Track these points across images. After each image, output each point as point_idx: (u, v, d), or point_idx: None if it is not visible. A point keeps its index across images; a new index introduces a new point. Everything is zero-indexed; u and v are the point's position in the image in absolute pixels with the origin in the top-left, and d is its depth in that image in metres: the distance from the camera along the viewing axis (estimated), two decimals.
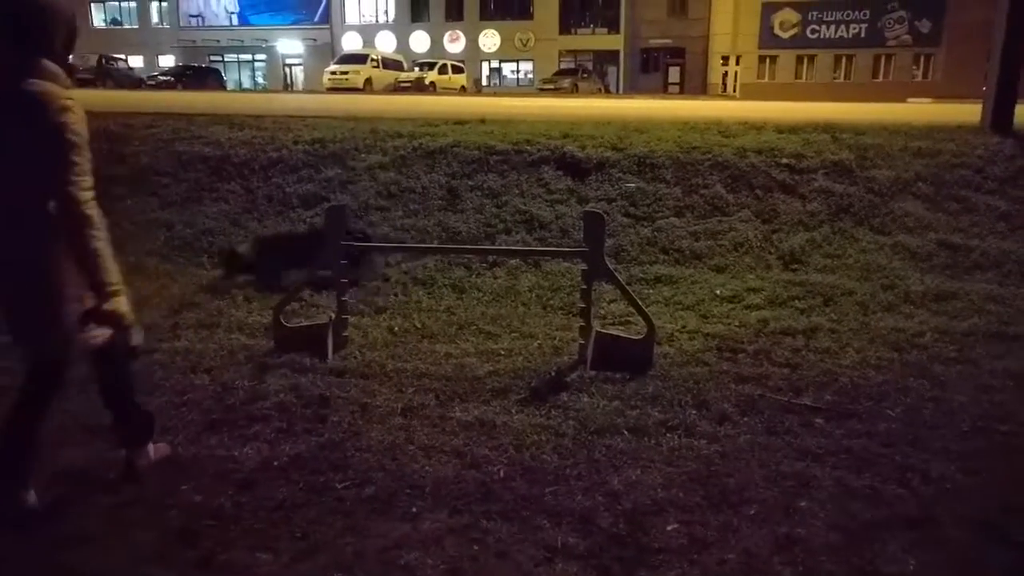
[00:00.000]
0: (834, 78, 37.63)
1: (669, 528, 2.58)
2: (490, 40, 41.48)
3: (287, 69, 43.59)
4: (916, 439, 3.23)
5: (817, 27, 37.70)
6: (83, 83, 28.03)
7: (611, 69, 40.18)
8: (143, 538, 2.49)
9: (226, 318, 4.82)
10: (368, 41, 40.68)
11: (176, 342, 4.37)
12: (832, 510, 2.69)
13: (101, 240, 2.26)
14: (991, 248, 6.11)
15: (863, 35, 37.35)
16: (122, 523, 2.55)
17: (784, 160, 7.33)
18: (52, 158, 2.18)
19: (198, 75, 32.47)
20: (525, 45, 41.10)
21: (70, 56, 2.37)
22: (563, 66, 38.31)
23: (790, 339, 4.53)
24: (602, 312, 5.00)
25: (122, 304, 2.34)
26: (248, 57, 43.73)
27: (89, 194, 2.24)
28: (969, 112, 9.22)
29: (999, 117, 8.44)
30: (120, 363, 2.69)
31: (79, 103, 2.26)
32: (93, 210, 2.24)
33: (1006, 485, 2.87)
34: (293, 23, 42.53)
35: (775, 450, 3.13)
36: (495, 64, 42.22)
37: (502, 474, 2.92)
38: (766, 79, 37.80)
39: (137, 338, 2.58)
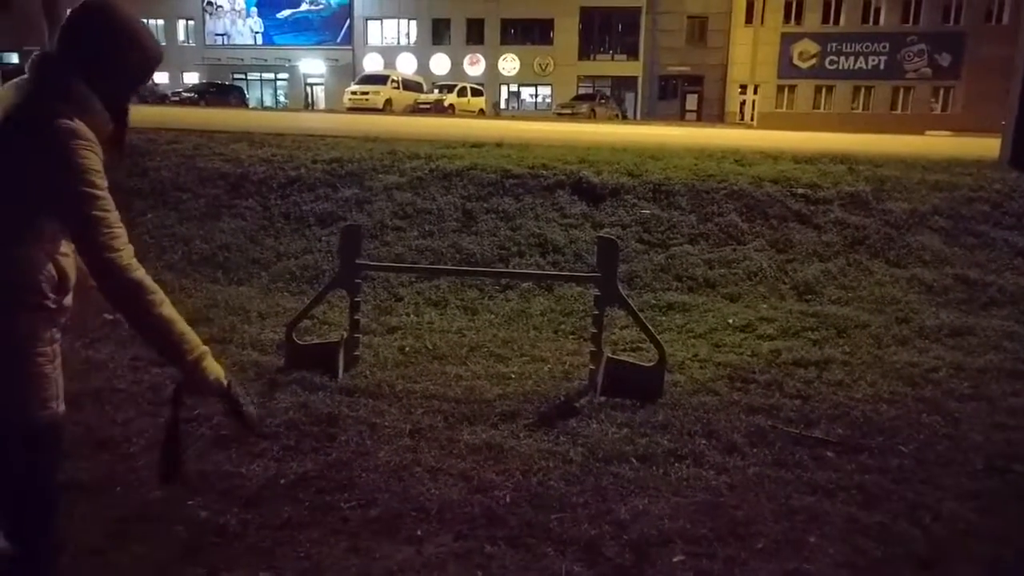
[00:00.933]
0: (852, 109, 37.62)
1: (675, 560, 2.55)
2: (510, 64, 41.87)
3: (308, 88, 44.18)
4: (928, 476, 3.18)
5: (836, 58, 37.79)
6: None
7: (629, 95, 40.40)
8: (148, 553, 2.49)
9: (239, 334, 4.85)
10: (389, 63, 41.20)
11: None
12: (842, 547, 2.65)
13: (161, 303, 1.79)
14: (1008, 284, 6.05)
15: (882, 67, 37.38)
16: (127, 538, 2.56)
17: (800, 190, 7.32)
18: (65, 218, 1.76)
19: (221, 92, 33.02)
20: (544, 70, 41.45)
21: (129, 102, 1.92)
22: (581, 91, 38.58)
23: (802, 370, 4.50)
24: (613, 338, 4.99)
25: (213, 368, 1.86)
26: (271, 76, 44.38)
27: (129, 252, 1.76)
28: (988, 146, 9.19)
29: (1018, 152, 8.41)
30: (45, 459, 1.91)
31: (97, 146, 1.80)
32: (139, 270, 1.77)
33: (1020, 526, 2.82)
34: (316, 43, 43.17)
35: (785, 483, 3.10)
36: (514, 88, 42.57)
37: (508, 499, 2.91)
38: (784, 108, 37.84)
39: (250, 411, 1.94)
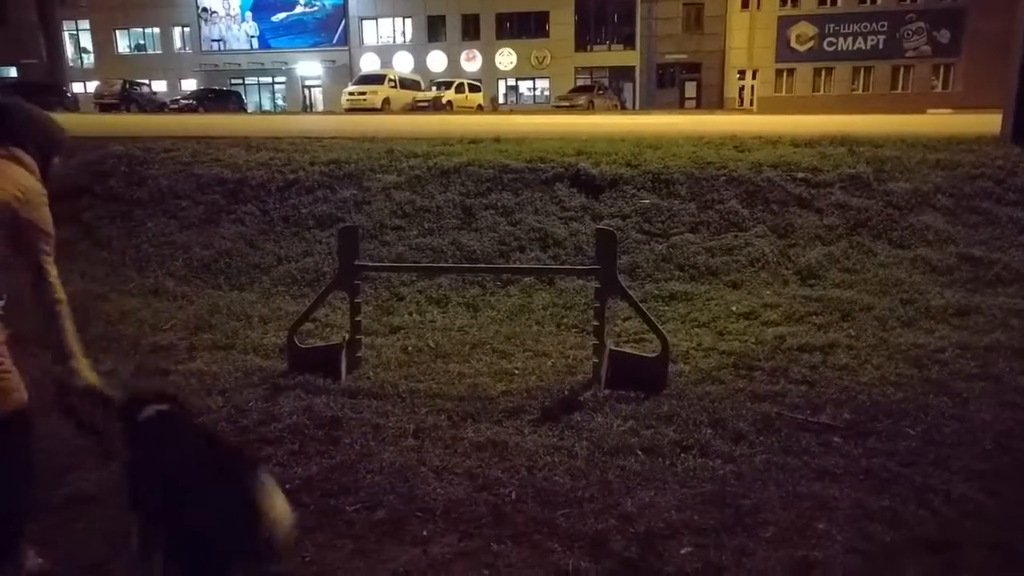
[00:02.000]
0: (852, 90, 37.37)
1: (683, 552, 2.53)
2: (506, 59, 41.73)
3: (306, 91, 44.12)
4: (937, 458, 3.16)
5: (834, 40, 37.53)
6: (107, 108, 28.67)
7: (627, 85, 40.23)
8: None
9: (241, 339, 4.84)
10: (386, 62, 41.12)
11: (191, 363, 4.40)
12: (850, 532, 2.63)
13: (69, 314, 2.31)
14: (1014, 261, 6.00)
15: (881, 47, 37.10)
16: (128, 548, 2.55)
17: (800, 174, 7.27)
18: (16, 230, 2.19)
19: (219, 98, 33.01)
20: (541, 63, 41.30)
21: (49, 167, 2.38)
22: (579, 83, 38.44)
23: (807, 356, 4.47)
24: (616, 330, 4.97)
25: (88, 375, 2.31)
26: (268, 80, 44.33)
27: (54, 269, 2.29)
28: (989, 123, 9.11)
29: (1019, 127, 8.33)
30: (18, 448, 2.29)
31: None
32: (58, 283, 2.28)
33: None
34: (312, 46, 43.10)
35: (792, 470, 3.08)
36: (511, 82, 42.43)
37: (514, 496, 2.90)
38: (783, 92, 37.64)
39: (88, 418, 2.38)
